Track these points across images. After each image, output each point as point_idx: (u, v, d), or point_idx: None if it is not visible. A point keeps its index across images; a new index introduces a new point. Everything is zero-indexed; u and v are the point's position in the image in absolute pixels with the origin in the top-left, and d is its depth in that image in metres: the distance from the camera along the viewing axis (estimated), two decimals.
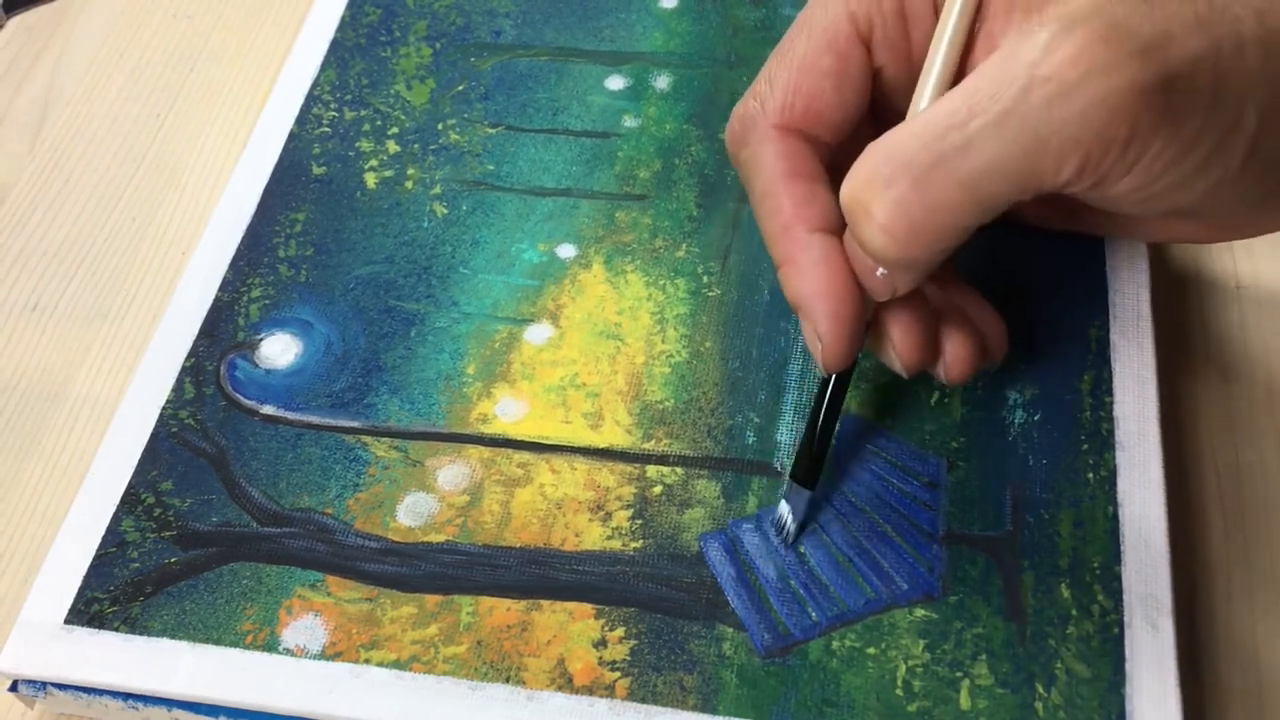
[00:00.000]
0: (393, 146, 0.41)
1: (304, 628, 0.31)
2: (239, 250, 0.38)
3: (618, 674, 0.30)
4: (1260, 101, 0.26)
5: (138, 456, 0.34)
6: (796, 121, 0.31)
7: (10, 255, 0.41)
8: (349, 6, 0.45)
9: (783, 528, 0.32)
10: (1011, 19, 0.28)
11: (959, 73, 0.30)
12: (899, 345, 0.31)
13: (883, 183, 0.27)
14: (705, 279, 0.37)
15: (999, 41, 0.28)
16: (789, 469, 0.32)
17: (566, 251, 0.38)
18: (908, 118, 0.30)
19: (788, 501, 0.32)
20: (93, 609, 0.31)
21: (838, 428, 0.33)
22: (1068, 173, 0.26)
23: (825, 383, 0.32)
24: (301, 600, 0.31)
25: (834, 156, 0.32)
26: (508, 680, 0.30)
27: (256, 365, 0.36)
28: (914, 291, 0.30)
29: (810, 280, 0.30)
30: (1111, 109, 0.25)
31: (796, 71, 0.31)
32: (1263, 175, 0.28)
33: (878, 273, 0.29)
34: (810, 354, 0.35)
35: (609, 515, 0.32)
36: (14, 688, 0.31)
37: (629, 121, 0.41)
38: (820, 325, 0.30)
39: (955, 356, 0.31)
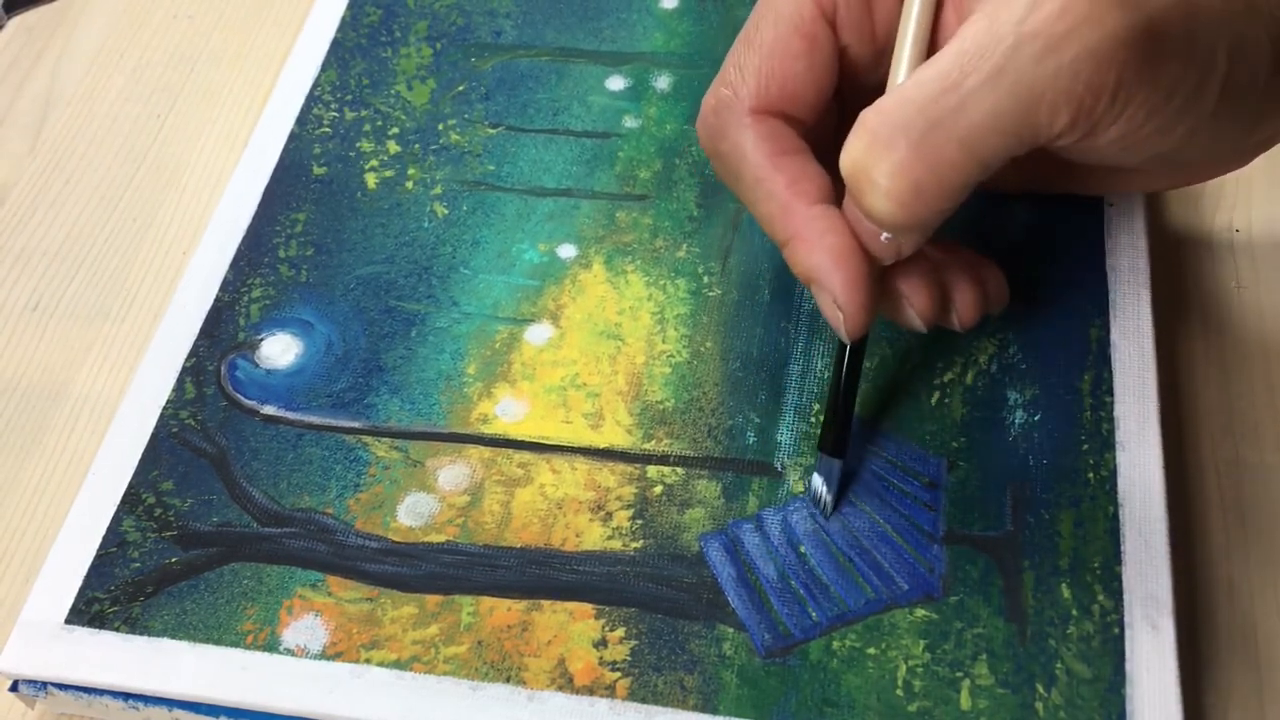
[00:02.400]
0: (393, 147, 0.41)
1: (304, 628, 0.31)
2: (239, 250, 0.38)
3: (618, 674, 0.30)
4: (1228, 43, 0.28)
5: (138, 456, 0.34)
6: (773, 104, 0.32)
7: (11, 255, 0.41)
8: (350, 7, 0.45)
9: (819, 501, 0.32)
10: None
11: (931, 42, 0.31)
12: (915, 302, 0.31)
13: (883, 148, 0.28)
14: (706, 279, 0.37)
15: (973, 7, 0.29)
16: (819, 441, 0.33)
17: (567, 252, 0.38)
18: (888, 88, 0.30)
19: (819, 474, 0.32)
20: (93, 609, 0.31)
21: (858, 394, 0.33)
22: (1061, 124, 0.27)
23: (842, 351, 0.32)
24: (302, 600, 0.31)
25: (811, 134, 0.33)
26: (508, 680, 0.30)
27: (257, 365, 0.36)
28: (920, 250, 0.31)
29: (821, 252, 0.30)
30: (1099, 59, 0.26)
31: (767, 56, 0.32)
32: (1234, 116, 0.29)
33: (882, 238, 0.30)
34: (810, 364, 0.35)
35: (609, 515, 0.32)
36: (14, 688, 0.31)
37: (629, 122, 0.41)
38: (839, 294, 0.30)
39: (965, 302, 0.32)
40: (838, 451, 0.32)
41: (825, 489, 0.32)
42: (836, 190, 0.31)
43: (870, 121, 0.28)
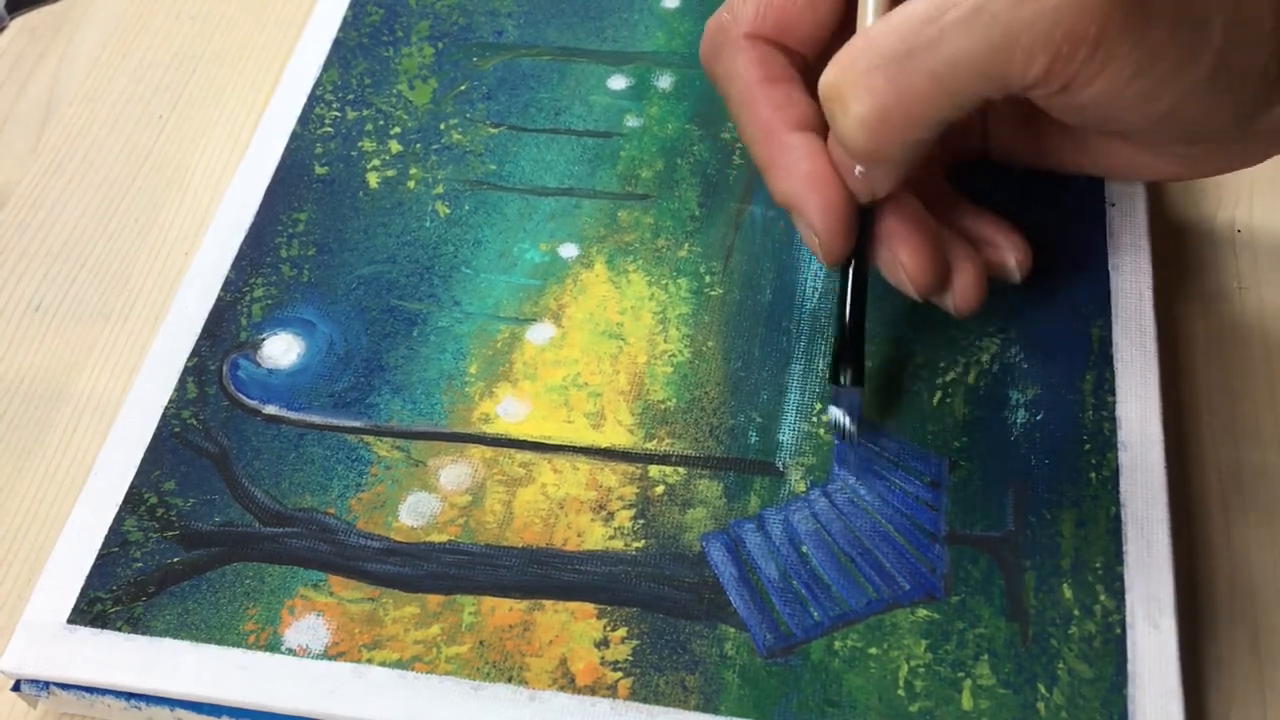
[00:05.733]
0: (395, 146, 0.41)
1: (306, 628, 0.31)
2: (241, 250, 0.38)
3: (620, 674, 0.30)
4: (1227, 16, 0.27)
5: (140, 456, 0.34)
6: (768, 31, 0.32)
7: (13, 255, 0.41)
8: (351, 6, 0.45)
9: (843, 430, 0.32)
10: None
11: None
12: (909, 267, 0.31)
13: (859, 73, 0.28)
14: (707, 278, 0.37)
15: None
16: (829, 373, 0.33)
17: (569, 251, 0.38)
18: (857, 26, 0.31)
19: (837, 406, 0.32)
20: (95, 609, 0.31)
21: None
22: (1036, 70, 0.27)
23: (844, 276, 0.32)
24: (304, 600, 0.31)
25: (811, 71, 0.32)
26: (510, 680, 0.30)
27: (259, 365, 0.36)
28: (920, 213, 0.31)
29: (796, 176, 0.31)
30: (1081, 8, 0.26)
31: None
32: (1228, 92, 0.28)
33: (856, 171, 0.30)
34: (812, 363, 0.35)
35: (611, 515, 0.32)
36: (17, 687, 0.31)
37: (631, 121, 0.41)
38: (813, 218, 0.31)
39: (964, 285, 0.32)
40: (855, 381, 0.32)
41: (847, 420, 0.32)
42: (823, 121, 0.31)
43: (852, 46, 0.28)
